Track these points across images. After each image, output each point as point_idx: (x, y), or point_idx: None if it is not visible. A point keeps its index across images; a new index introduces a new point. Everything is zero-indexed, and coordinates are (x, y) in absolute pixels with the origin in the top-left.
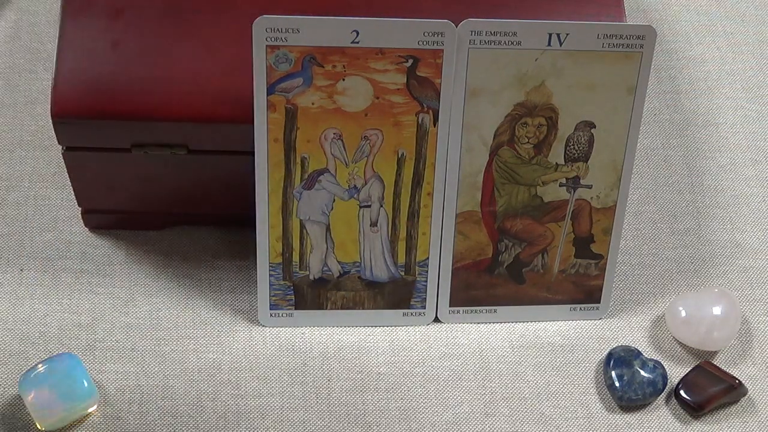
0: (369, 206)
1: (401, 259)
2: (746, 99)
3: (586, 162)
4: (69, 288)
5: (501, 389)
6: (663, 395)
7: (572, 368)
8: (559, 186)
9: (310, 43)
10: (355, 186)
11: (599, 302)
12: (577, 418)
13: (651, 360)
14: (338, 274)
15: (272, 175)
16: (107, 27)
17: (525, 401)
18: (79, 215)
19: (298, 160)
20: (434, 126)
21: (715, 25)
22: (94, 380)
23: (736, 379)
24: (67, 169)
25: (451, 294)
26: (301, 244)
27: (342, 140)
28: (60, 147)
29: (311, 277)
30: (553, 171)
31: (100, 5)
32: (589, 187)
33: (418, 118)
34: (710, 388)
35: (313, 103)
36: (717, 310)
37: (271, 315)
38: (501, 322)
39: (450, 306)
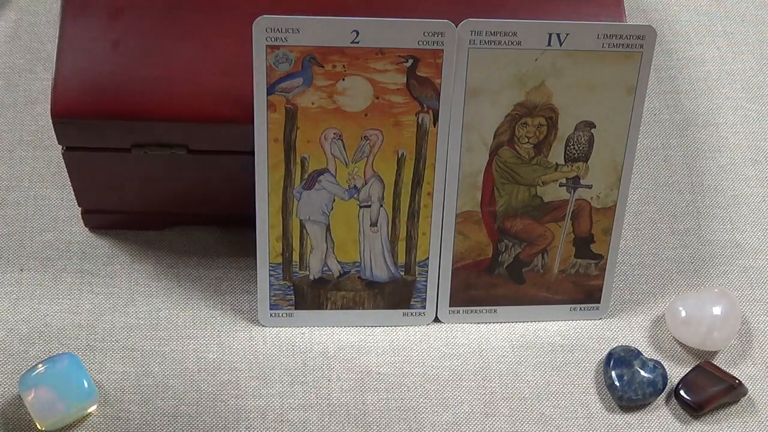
0: (369, 206)
1: (401, 259)
2: (746, 99)
3: (586, 162)
4: (69, 288)
5: (501, 389)
6: (663, 395)
7: (572, 368)
8: (559, 186)
9: (310, 43)
10: (355, 186)
11: (599, 302)
12: (577, 418)
13: (651, 360)
14: (338, 274)
15: (272, 175)
16: (107, 27)
17: (525, 401)
18: (79, 215)
19: (298, 160)
20: (434, 126)
21: (715, 25)
22: (94, 380)
23: (736, 379)
24: (67, 169)
25: (451, 294)
26: (301, 244)
27: (342, 140)
28: (60, 147)
29: (311, 277)
30: (553, 171)
31: (100, 5)
32: (589, 187)
33: (418, 118)
34: (710, 388)
35: (313, 103)
36: (717, 310)
37: (271, 315)
38: (501, 322)
39: (450, 306)
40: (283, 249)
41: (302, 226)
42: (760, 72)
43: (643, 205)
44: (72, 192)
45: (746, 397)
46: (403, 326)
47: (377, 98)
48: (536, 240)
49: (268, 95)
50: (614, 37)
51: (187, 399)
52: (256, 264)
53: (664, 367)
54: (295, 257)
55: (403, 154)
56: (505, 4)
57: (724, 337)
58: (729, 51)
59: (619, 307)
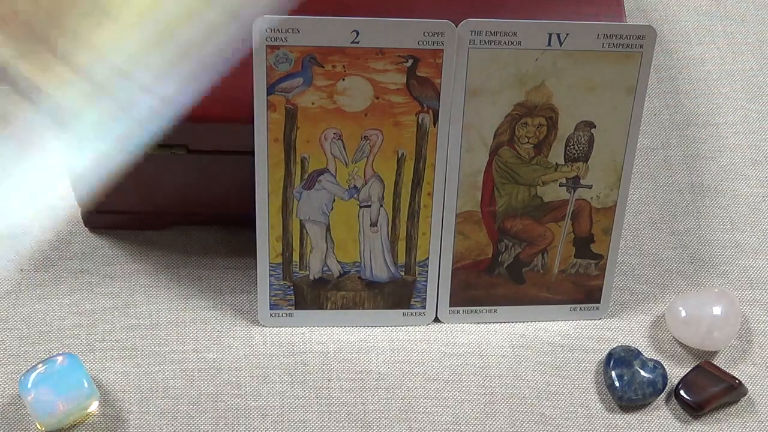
0: (369, 206)
1: (401, 259)
2: (746, 99)
3: (586, 162)
4: (69, 288)
5: (501, 389)
6: (663, 395)
7: (572, 368)
8: (559, 186)
9: (310, 43)
10: (355, 186)
11: (599, 302)
12: (577, 418)
13: (651, 360)
14: (338, 274)
15: (272, 175)
16: None
17: (525, 401)
18: (79, 215)
19: (298, 160)
20: (434, 126)
21: (715, 25)
22: (94, 380)
23: (736, 379)
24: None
25: (451, 294)
26: (301, 244)
27: (342, 140)
28: None
29: (311, 277)
30: (553, 171)
31: None
32: (589, 187)
33: (418, 118)
34: (710, 388)
35: (313, 103)
36: (717, 310)
37: (271, 315)
38: (501, 322)
39: (450, 306)
40: (283, 249)
41: (302, 226)
42: (760, 72)
43: (643, 205)
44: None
45: (746, 397)
46: (403, 326)
47: (377, 98)
48: (536, 240)
49: (268, 95)
50: (614, 37)
51: (187, 399)
52: (256, 264)
53: (664, 367)
54: (295, 257)
55: (403, 154)
56: (505, 4)
57: (724, 337)
58: (729, 51)
59: (619, 307)
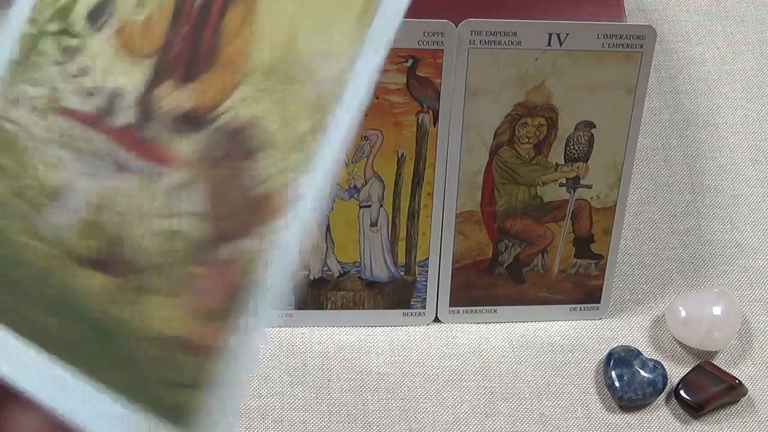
0: (369, 206)
1: (401, 259)
2: (746, 99)
3: (586, 162)
4: None
5: (501, 389)
6: (663, 395)
7: (572, 368)
8: (559, 186)
9: None
10: (355, 186)
11: (599, 302)
12: (577, 418)
13: (651, 360)
14: (338, 274)
15: None
16: None
17: (525, 401)
18: None
19: None
20: (434, 126)
21: (715, 25)
22: None
23: (736, 379)
24: None
25: (451, 294)
26: None
27: None
28: None
29: (311, 277)
30: (553, 171)
31: None
32: (589, 187)
33: (418, 118)
34: (710, 388)
35: None
36: (717, 310)
37: None
38: (501, 322)
39: (450, 306)
40: None
41: None
42: (760, 72)
43: (643, 205)
44: None
45: (746, 397)
46: (403, 326)
47: (377, 98)
48: (536, 240)
49: None
50: (614, 37)
51: None
52: None
53: (664, 367)
54: None
55: (403, 154)
56: (505, 4)
57: (724, 337)
58: (729, 51)
59: (619, 307)
